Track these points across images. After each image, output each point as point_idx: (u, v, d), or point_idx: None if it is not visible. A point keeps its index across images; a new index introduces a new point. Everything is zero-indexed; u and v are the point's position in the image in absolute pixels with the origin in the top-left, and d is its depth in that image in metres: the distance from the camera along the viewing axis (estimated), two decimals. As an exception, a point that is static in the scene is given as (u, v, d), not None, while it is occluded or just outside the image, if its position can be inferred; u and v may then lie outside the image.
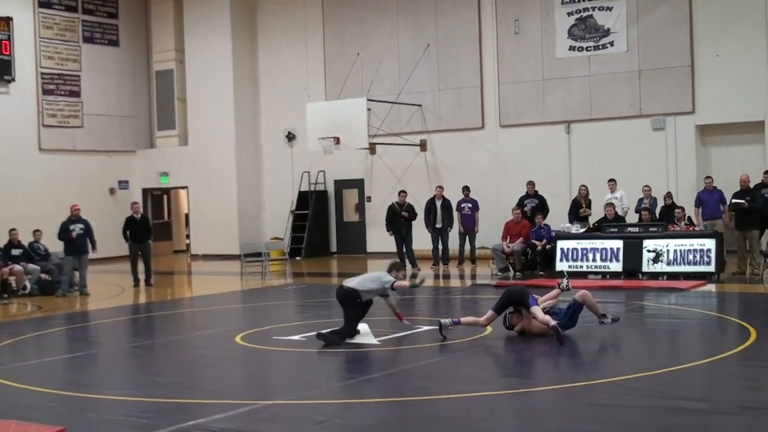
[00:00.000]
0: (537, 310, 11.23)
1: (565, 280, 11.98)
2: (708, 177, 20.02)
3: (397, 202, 22.82)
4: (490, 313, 11.61)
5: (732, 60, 22.21)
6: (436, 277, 21.29)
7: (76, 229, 19.41)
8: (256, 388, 9.50)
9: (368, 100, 25.05)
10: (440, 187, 23.17)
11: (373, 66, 27.22)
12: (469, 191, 23.02)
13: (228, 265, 25.54)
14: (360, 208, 28.32)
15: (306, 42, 28.59)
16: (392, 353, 10.97)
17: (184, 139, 30.67)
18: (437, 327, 11.66)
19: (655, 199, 20.71)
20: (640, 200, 21.05)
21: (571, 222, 20.72)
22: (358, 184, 28.08)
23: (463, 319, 11.86)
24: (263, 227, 29.46)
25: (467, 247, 22.93)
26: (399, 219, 22.44)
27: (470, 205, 22.79)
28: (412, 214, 22.64)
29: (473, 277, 20.68)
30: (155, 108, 31.46)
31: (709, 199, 19.58)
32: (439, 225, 22.57)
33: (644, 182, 21.38)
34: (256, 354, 11.37)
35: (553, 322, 10.96)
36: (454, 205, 22.88)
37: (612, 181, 21.21)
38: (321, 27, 28.31)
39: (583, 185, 21.69)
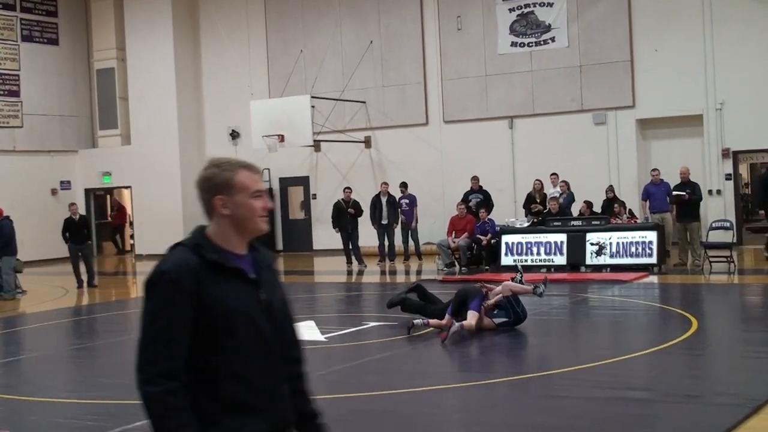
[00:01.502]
0: (470, 315, 11.23)
1: (518, 275, 12.07)
2: (655, 170, 20.18)
3: (342, 199, 22.82)
4: (447, 317, 11.52)
5: (671, 54, 22.52)
6: (383, 273, 21.33)
7: None
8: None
9: (312, 97, 25.01)
10: (385, 183, 23.22)
11: (316, 63, 27.16)
12: (407, 187, 23.09)
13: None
14: (305, 206, 28.26)
15: (249, 40, 28.44)
16: (339, 350, 10.97)
17: (127, 138, 30.34)
18: (408, 327, 11.55)
19: (571, 194, 21.10)
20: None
21: (525, 216, 20.96)
22: (304, 181, 28.01)
23: (431, 321, 11.75)
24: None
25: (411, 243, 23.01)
26: (345, 216, 22.44)
27: (407, 201, 22.87)
28: (358, 211, 22.66)
29: (419, 272, 20.75)
30: (97, 107, 31.07)
31: (656, 191, 19.79)
32: (384, 221, 22.62)
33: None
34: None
35: (456, 327, 10.90)
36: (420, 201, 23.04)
37: (554, 176, 21.42)
38: (264, 24, 28.18)
39: (537, 179, 21.78)
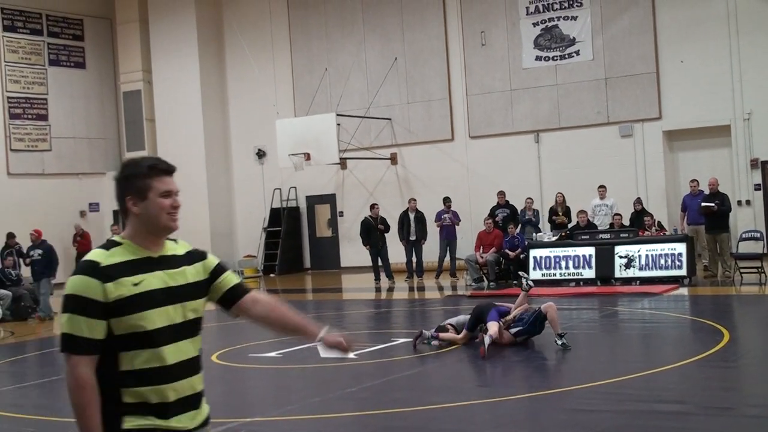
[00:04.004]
0: (491, 325, 11.27)
1: (524, 281, 12.12)
2: (693, 180, 20.03)
3: (370, 216, 22.83)
4: (464, 332, 11.70)
5: (696, 65, 22.42)
6: (411, 289, 21.30)
7: (35, 254, 19.39)
8: (234, 406, 9.45)
9: (337, 115, 25.10)
10: (413, 199, 23.23)
11: (341, 81, 27.26)
12: (451, 202, 23.02)
13: (202, 285, 25.37)
14: (332, 224, 28.31)
15: (273, 59, 28.59)
16: (368, 366, 10.96)
17: (154, 159, 30.48)
18: (415, 337, 11.79)
19: (536, 211, 21.21)
20: (522, 211, 21.54)
21: (551, 229, 20.98)
22: (330, 199, 28.07)
23: (442, 335, 11.87)
24: (236, 245, 29.36)
25: (447, 257, 22.84)
26: (375, 232, 22.45)
27: (450, 216, 22.74)
28: (386, 227, 22.69)
29: (447, 288, 20.70)
30: (124, 129, 31.32)
31: (692, 203, 19.65)
32: (413, 237, 22.61)
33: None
34: (232, 372, 11.32)
35: (488, 339, 10.91)
36: (432, 217, 22.91)
37: (602, 188, 21.33)
38: (288, 44, 28.34)
39: (559, 193, 21.81)
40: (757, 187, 22.13)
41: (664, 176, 22.84)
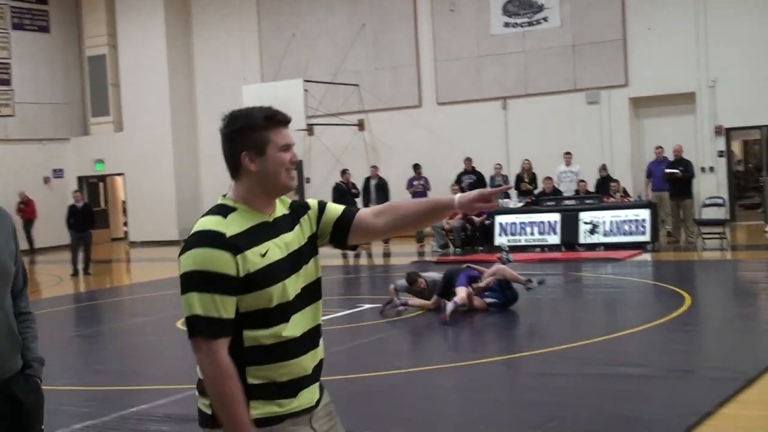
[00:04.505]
0: (459, 290, 11.36)
1: (504, 254, 12.15)
2: (658, 147, 20.21)
3: (341, 182, 22.79)
4: (434, 297, 11.76)
5: (663, 33, 22.49)
6: (377, 255, 21.35)
7: None
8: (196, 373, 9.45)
9: (305, 81, 24.98)
10: (374, 166, 23.23)
11: (308, 47, 27.11)
12: (421, 169, 23.00)
13: (167, 251, 25.30)
14: (299, 190, 28.24)
15: (240, 24, 28.36)
16: (335, 332, 10.99)
17: (119, 125, 30.30)
18: (384, 303, 11.86)
19: (506, 177, 21.33)
20: (492, 178, 21.64)
21: (517, 196, 21.09)
22: (297, 165, 27.95)
23: (411, 301, 11.93)
24: (202, 211, 29.05)
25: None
26: (347, 197, 22.43)
27: (422, 183, 22.73)
28: (358, 192, 22.76)
29: (413, 254, 20.76)
30: (88, 94, 31.01)
31: (656, 170, 19.81)
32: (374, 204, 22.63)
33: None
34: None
35: (452, 306, 10.98)
36: (398, 183, 22.93)
37: (568, 155, 21.44)
38: (255, 8, 28.11)
39: (526, 159, 21.92)
40: (720, 154, 22.32)
41: (629, 143, 22.97)
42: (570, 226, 18.78)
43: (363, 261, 20.61)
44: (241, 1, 28.34)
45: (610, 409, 6.86)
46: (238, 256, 2.89)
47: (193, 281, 2.87)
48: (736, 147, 30.23)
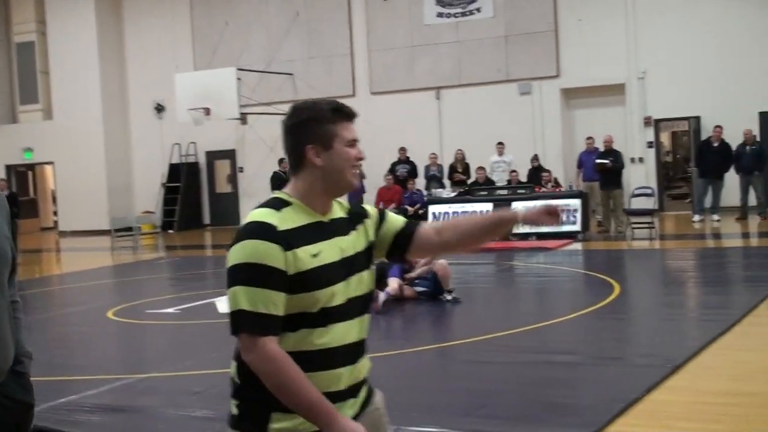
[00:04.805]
0: (391, 281, 11.42)
1: None
2: (589, 138, 20.48)
3: (281, 170, 22.67)
4: (375, 290, 11.70)
5: (594, 24, 22.77)
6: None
7: None
8: (130, 362, 9.38)
9: (238, 69, 24.79)
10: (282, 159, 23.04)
11: (242, 35, 26.92)
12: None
13: (98, 241, 25.01)
14: (232, 179, 28.07)
15: (173, 11, 28.04)
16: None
17: (48, 113, 29.77)
18: None
19: (441, 167, 21.51)
20: (427, 167, 21.79)
21: (450, 186, 21.22)
22: (230, 155, 27.80)
23: None
24: (134, 201, 28.91)
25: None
26: (285, 185, 22.25)
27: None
28: None
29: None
30: (17, 82, 30.42)
31: (587, 160, 20.07)
32: None
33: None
34: (129, 328, 11.20)
35: (384, 295, 11.00)
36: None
37: (501, 145, 21.60)
38: (187, -4, 27.83)
39: (459, 149, 22.06)
40: (649, 145, 22.70)
41: (560, 133, 23.24)
42: (502, 215, 18.89)
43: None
44: (173, -12, 28.01)
45: (541, 396, 6.94)
46: (289, 252, 2.72)
47: (241, 274, 2.71)
48: (665, 138, 30.76)
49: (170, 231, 26.83)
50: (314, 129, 2.89)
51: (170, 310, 12.12)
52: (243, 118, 26.16)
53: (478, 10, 24.08)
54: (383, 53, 25.29)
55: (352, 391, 2.90)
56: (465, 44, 24.26)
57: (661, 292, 12.33)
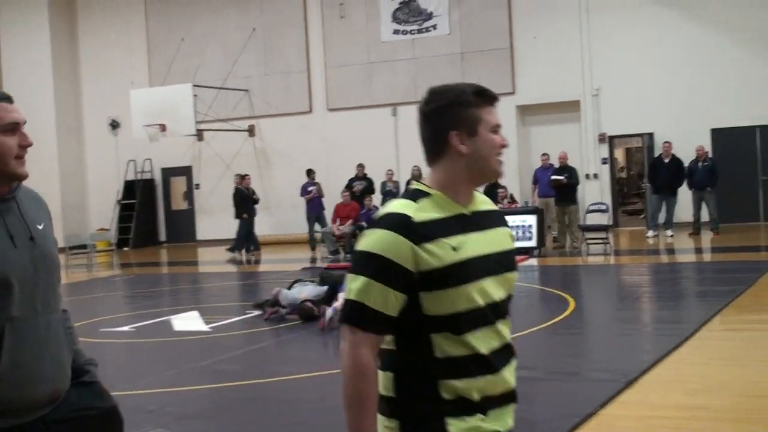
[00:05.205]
0: (341, 296, 11.37)
1: None
2: (544, 154, 20.64)
3: (243, 187, 22.55)
4: (322, 306, 11.55)
5: (549, 42, 23.00)
6: (266, 262, 21.23)
7: None
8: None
9: (194, 85, 24.72)
10: (238, 175, 22.96)
11: (198, 51, 26.84)
12: (315, 174, 22.88)
13: (52, 259, 24.66)
14: (188, 196, 27.92)
15: (128, 27, 27.89)
16: (222, 339, 10.90)
17: (1, 129, 29.38)
18: (269, 312, 11.69)
19: (397, 183, 21.63)
20: (383, 183, 21.87)
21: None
22: (186, 171, 27.66)
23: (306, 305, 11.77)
24: (88, 218, 28.64)
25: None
26: (248, 203, 22.23)
27: (316, 189, 22.59)
28: (258, 198, 22.60)
29: (305, 260, 20.71)
30: (-32, 97, 30.01)
31: (543, 176, 20.22)
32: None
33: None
34: (83, 347, 11.04)
35: (330, 312, 10.82)
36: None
37: None
38: (143, 11, 27.69)
39: (416, 165, 22.06)
40: (604, 161, 22.94)
41: (516, 150, 23.37)
42: (459, 231, 18.98)
43: (252, 267, 20.47)
44: (128, 4, 27.88)
45: (497, 411, 6.95)
46: (423, 248, 2.55)
47: (364, 263, 2.56)
48: (619, 154, 31.11)
49: (125, 248, 26.60)
50: (458, 114, 2.69)
51: (125, 328, 12.01)
52: (199, 135, 26.05)
53: (434, 27, 24.23)
54: (340, 70, 25.33)
55: (507, 399, 2.73)
56: (421, 61, 24.39)
57: (615, 307, 12.43)
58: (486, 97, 2.72)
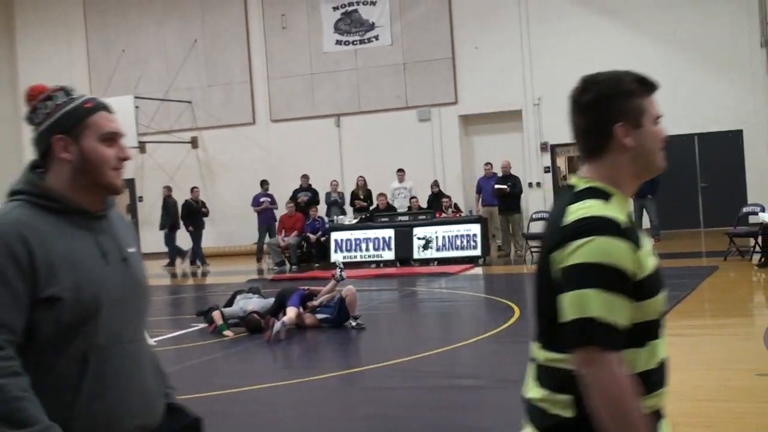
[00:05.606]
0: (289, 311, 11.37)
1: (338, 271, 12.21)
2: (488, 164, 20.77)
3: (191, 199, 22.39)
4: (268, 317, 11.56)
5: (490, 52, 23.18)
6: (209, 274, 21.09)
7: None
8: None
9: (135, 97, 24.47)
10: (166, 187, 23.05)
11: (139, 63, 26.61)
12: (268, 185, 22.77)
13: None
14: (131, 209, 27.63)
15: (68, 38, 27.57)
16: (168, 353, 10.81)
17: (-62, 142, 28.90)
18: (212, 327, 11.64)
19: (341, 194, 21.75)
20: (328, 194, 21.93)
21: (353, 212, 21.29)
22: (129, 183, 27.36)
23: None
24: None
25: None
26: (197, 216, 22.08)
27: (269, 200, 22.46)
28: (207, 211, 22.46)
29: (251, 272, 20.60)
30: None
31: (486, 185, 20.36)
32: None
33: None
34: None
35: (279, 325, 10.85)
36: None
37: (401, 172, 21.75)
38: (83, 23, 27.40)
39: (360, 176, 22.16)
40: (546, 170, 23.17)
41: (459, 159, 23.54)
42: (404, 241, 19.08)
43: (197, 280, 20.33)
44: (67, 15, 27.56)
45: (445, 420, 7.00)
46: (637, 254, 2.34)
47: (592, 275, 2.28)
48: (561, 163, 31.36)
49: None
50: (622, 104, 2.47)
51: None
52: (141, 147, 25.82)
53: (377, 38, 24.30)
54: (283, 81, 25.29)
55: (660, 418, 2.51)
56: (364, 71, 24.44)
57: (560, 314, 12.53)
58: (648, 86, 2.52)
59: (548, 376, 2.44)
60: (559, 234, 2.38)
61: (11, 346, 2.46)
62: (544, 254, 2.44)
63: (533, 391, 2.48)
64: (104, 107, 2.86)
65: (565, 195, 2.49)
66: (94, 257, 2.65)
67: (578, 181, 2.51)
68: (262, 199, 22.43)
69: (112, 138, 2.78)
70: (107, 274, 2.65)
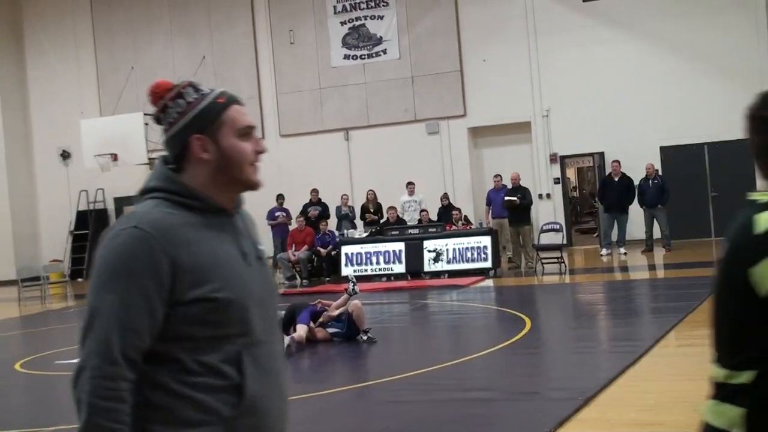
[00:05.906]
0: (299, 327, 11.37)
1: (351, 285, 12.22)
2: (497, 176, 20.77)
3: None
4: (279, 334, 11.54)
5: (498, 64, 23.20)
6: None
7: None
8: (40, 414, 9.15)
9: (145, 114, 24.52)
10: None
11: (148, 79, 26.53)
12: (284, 199, 22.77)
13: (4, 291, 24.38)
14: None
15: (77, 57, 27.69)
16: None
17: (-51, 161, 29.01)
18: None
19: (352, 207, 22.14)
20: (338, 208, 21.94)
21: (363, 226, 21.28)
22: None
23: None
24: (41, 250, 28.27)
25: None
26: None
27: (284, 214, 22.45)
28: None
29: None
30: None
31: (496, 197, 20.36)
32: None
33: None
34: (38, 380, 10.94)
35: (287, 340, 10.87)
36: (264, 214, 22.71)
37: (411, 184, 21.75)
38: (92, 41, 27.52)
39: (370, 190, 22.17)
40: (556, 181, 23.15)
41: (469, 172, 23.55)
42: (414, 254, 19.07)
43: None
44: (76, 34, 27.69)
45: (457, 433, 6.99)
46: None
47: None
48: (571, 174, 31.39)
49: (79, 279, 26.31)
50: None
51: (80, 360, 11.85)
52: (151, 164, 25.87)
53: (384, 52, 24.36)
54: (291, 96, 25.36)
55: None
56: (372, 86, 24.49)
57: (571, 325, 12.53)
58: None
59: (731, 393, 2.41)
60: (755, 245, 2.24)
61: (138, 354, 2.42)
62: (739, 270, 2.28)
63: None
64: (236, 100, 2.84)
65: (746, 208, 2.35)
66: (236, 257, 2.61)
67: (760, 196, 2.36)
68: (277, 213, 22.44)
69: (247, 132, 2.80)
70: (249, 274, 2.62)
